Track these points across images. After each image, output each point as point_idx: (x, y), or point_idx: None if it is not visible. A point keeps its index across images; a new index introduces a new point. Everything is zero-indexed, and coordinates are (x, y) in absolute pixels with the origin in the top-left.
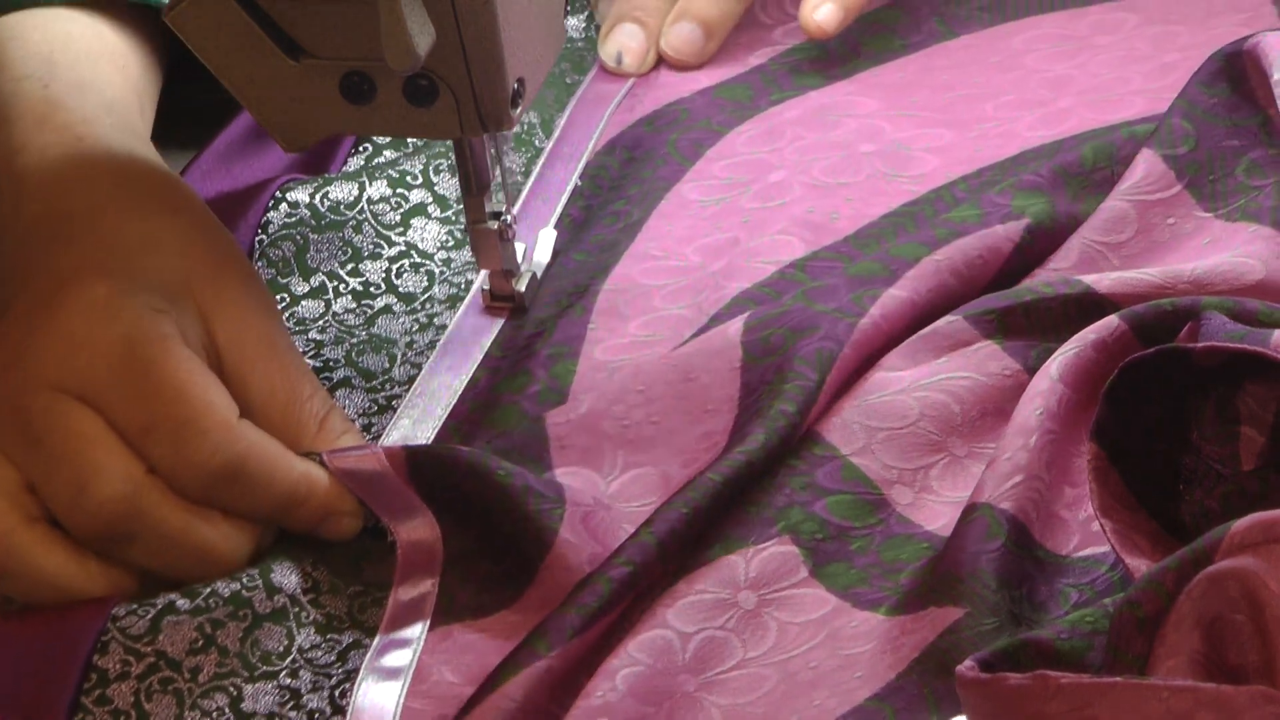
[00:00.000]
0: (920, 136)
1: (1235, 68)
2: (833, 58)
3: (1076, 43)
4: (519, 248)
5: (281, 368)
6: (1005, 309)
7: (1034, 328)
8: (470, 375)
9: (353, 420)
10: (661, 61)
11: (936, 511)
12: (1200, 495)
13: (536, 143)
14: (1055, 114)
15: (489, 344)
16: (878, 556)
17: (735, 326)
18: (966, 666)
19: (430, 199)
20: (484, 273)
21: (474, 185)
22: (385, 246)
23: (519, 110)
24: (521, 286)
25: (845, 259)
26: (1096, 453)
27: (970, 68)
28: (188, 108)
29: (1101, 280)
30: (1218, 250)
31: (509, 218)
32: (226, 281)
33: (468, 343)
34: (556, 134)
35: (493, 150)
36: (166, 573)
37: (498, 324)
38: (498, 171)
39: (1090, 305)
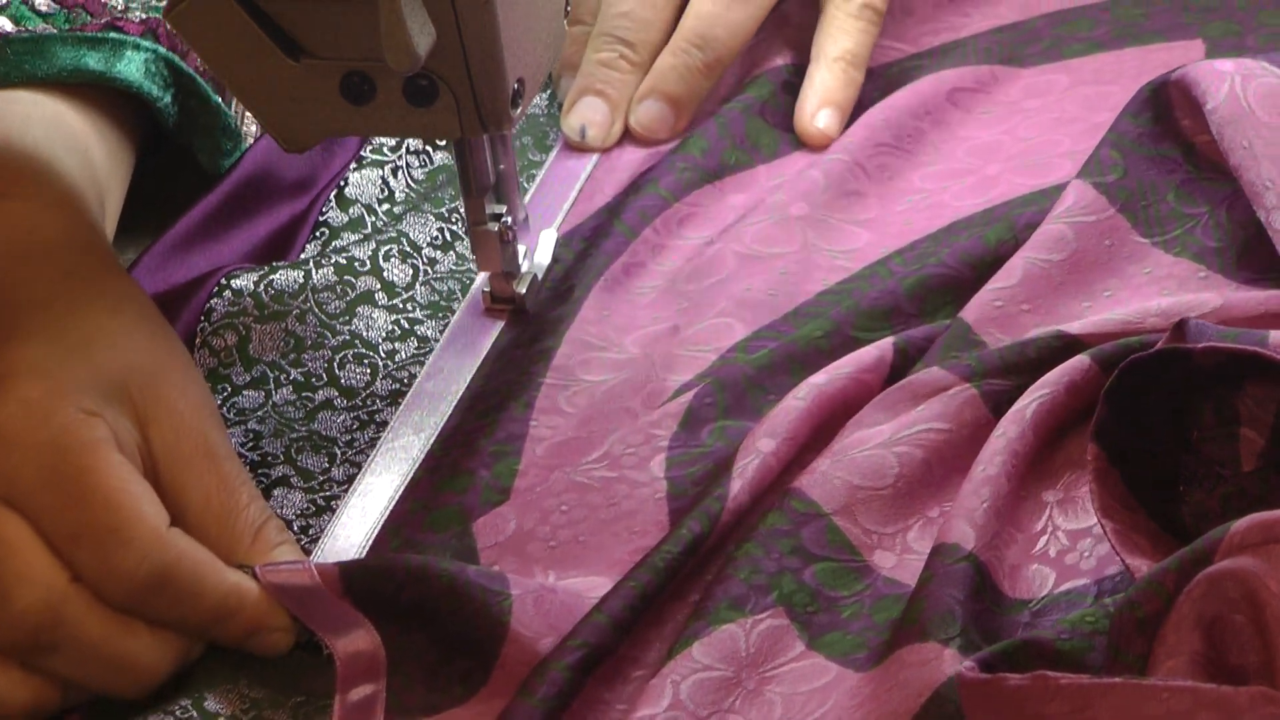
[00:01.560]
0: (849, 205)
1: (1161, 98)
2: (783, 111)
3: (1006, 107)
4: (519, 249)
5: (218, 475)
6: (981, 355)
7: (1010, 370)
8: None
9: (290, 521)
10: (627, 135)
11: (919, 569)
12: (1200, 496)
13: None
14: (983, 181)
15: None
16: (871, 619)
17: (658, 461)
18: (966, 667)
19: (378, 285)
20: (483, 275)
21: (474, 187)
22: (329, 336)
23: (519, 110)
24: (522, 288)
25: (784, 336)
26: (1097, 453)
27: (898, 135)
28: (168, 185)
29: (1074, 324)
30: (1163, 284)
31: (509, 219)
32: (165, 384)
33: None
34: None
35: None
36: (89, 684)
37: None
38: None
39: (1063, 348)
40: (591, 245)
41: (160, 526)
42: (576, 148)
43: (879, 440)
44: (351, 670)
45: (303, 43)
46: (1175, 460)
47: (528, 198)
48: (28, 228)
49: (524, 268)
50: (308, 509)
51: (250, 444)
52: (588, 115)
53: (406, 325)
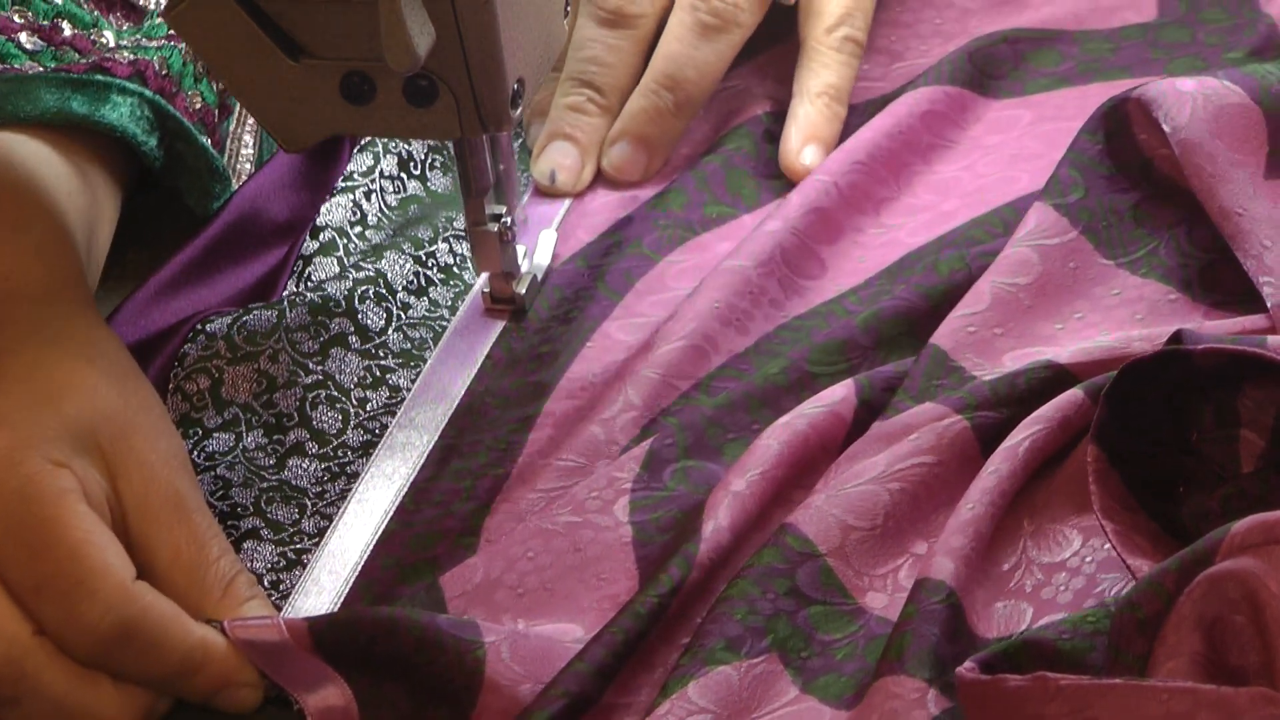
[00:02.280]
0: (804, 248)
1: (1120, 114)
2: (764, 159)
3: (969, 143)
4: (519, 249)
5: (188, 528)
6: (972, 388)
7: (1001, 402)
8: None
9: (260, 575)
10: (600, 178)
11: None
12: (1200, 497)
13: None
14: (939, 217)
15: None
16: (864, 660)
17: (621, 504)
18: (966, 668)
19: (352, 329)
20: (484, 275)
21: (474, 187)
22: (301, 374)
23: (519, 110)
24: (522, 289)
25: (744, 376)
26: (1097, 455)
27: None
28: (160, 225)
29: (1061, 353)
30: (1133, 306)
31: (508, 220)
32: (136, 435)
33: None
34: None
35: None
36: None
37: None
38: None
39: (1052, 378)
40: (575, 308)
41: (126, 579)
42: (546, 192)
43: (873, 474)
44: None
45: (303, 43)
46: (1175, 461)
47: (525, 198)
48: (4, 273)
49: (524, 268)
50: (278, 562)
51: (220, 493)
52: (557, 160)
53: (378, 373)
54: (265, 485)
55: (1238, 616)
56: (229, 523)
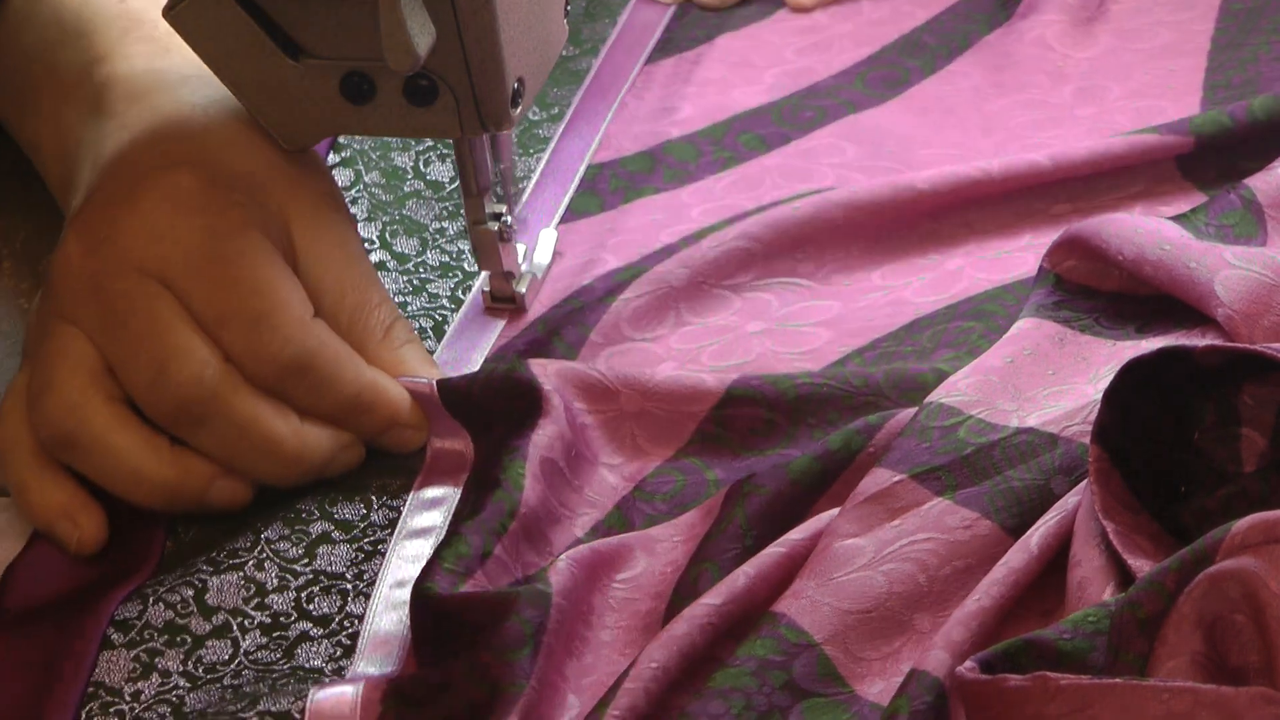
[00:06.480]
0: (807, 310)
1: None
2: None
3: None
4: (519, 249)
5: (353, 273)
6: (948, 464)
7: (980, 474)
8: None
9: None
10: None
11: None
12: (1202, 496)
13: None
14: (945, 276)
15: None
16: None
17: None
18: (967, 668)
19: (332, 526)
20: (484, 274)
21: (474, 186)
22: (291, 579)
23: (519, 110)
24: (522, 288)
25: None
26: (1098, 454)
27: (854, 229)
28: None
29: (1028, 416)
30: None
31: (509, 219)
32: (307, 185)
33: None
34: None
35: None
36: (232, 463)
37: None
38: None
39: (1025, 444)
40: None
41: (305, 315)
42: None
43: (862, 561)
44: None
45: (303, 43)
46: (1176, 461)
47: (525, 196)
48: (163, 47)
49: (524, 268)
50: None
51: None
52: None
53: (369, 548)
54: (276, 676)
55: (1238, 616)
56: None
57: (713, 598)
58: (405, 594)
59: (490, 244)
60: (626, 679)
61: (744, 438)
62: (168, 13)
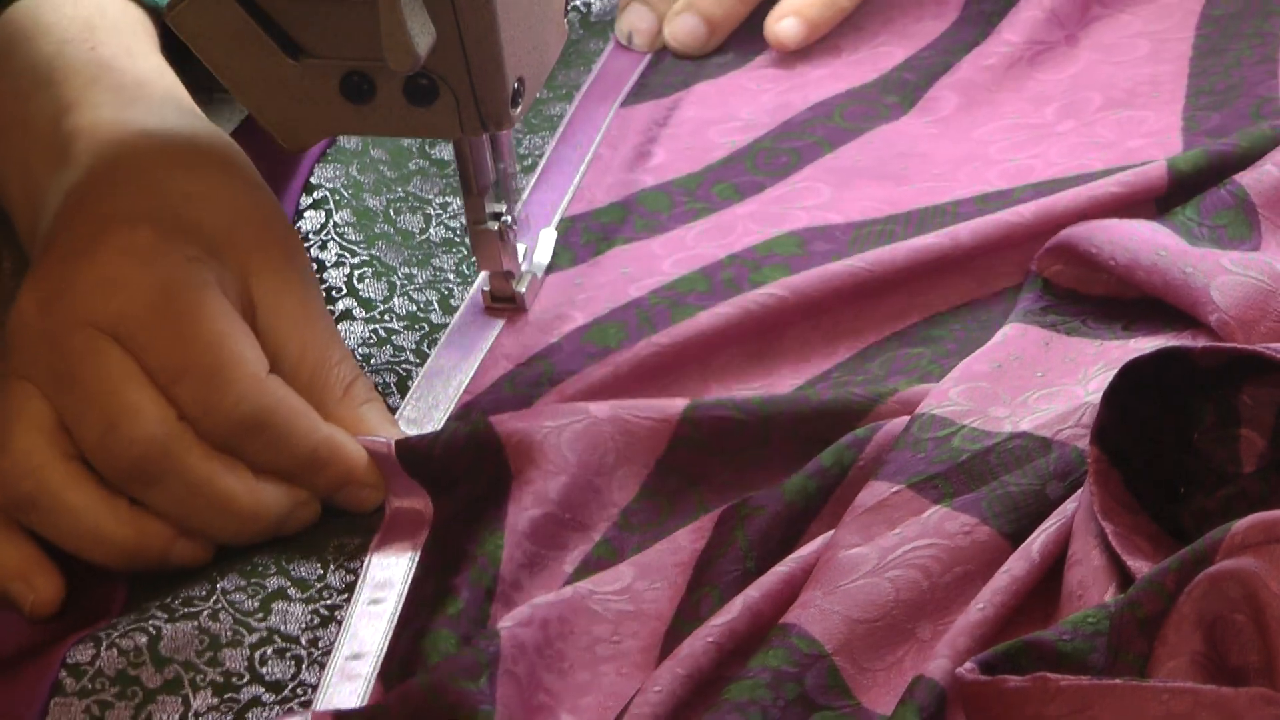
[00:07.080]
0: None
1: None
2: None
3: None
4: (519, 249)
5: (313, 330)
6: (945, 472)
7: (976, 479)
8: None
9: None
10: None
11: None
12: (1201, 497)
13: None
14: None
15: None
16: None
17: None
18: (966, 668)
19: (288, 583)
20: (484, 274)
21: (474, 186)
22: (245, 633)
23: (519, 110)
24: (522, 288)
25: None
26: (1098, 455)
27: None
28: None
29: (1021, 421)
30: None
31: (509, 219)
32: (269, 240)
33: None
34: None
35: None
36: (187, 521)
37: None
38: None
39: (1019, 448)
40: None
41: (260, 371)
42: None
43: (867, 568)
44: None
45: (303, 42)
46: (1176, 461)
47: (526, 195)
48: (129, 97)
49: (524, 267)
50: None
51: None
52: (634, 23)
53: (325, 612)
54: None
55: (1238, 616)
56: None
57: (718, 618)
58: (361, 667)
59: (490, 244)
60: (633, 704)
61: (716, 438)
62: (168, 13)
